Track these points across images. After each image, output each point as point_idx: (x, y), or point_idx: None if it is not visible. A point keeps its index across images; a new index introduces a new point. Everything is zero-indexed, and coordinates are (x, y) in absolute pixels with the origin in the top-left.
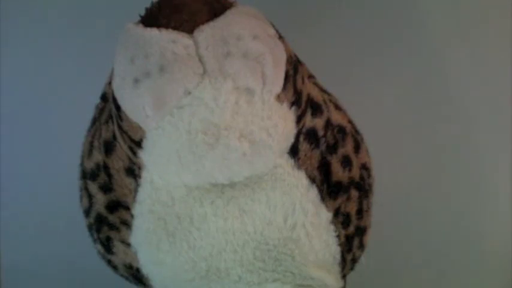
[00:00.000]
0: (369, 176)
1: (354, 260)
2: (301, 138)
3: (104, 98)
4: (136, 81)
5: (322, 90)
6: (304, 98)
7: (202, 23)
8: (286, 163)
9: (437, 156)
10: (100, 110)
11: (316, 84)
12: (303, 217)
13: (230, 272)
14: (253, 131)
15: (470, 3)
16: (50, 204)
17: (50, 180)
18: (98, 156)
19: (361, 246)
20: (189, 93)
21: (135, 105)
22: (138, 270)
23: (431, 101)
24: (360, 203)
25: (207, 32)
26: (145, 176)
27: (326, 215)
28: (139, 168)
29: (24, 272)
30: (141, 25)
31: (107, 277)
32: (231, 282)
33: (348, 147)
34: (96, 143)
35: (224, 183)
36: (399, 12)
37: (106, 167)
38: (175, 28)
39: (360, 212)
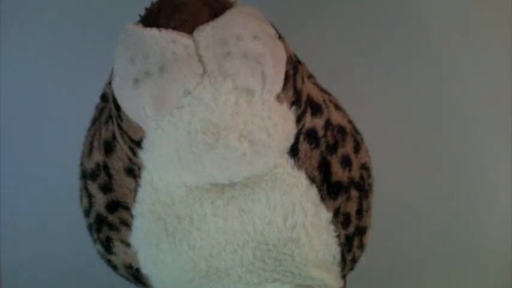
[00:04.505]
0: (369, 176)
1: (354, 260)
2: (301, 138)
3: (104, 98)
4: (136, 81)
5: (322, 90)
6: (304, 98)
7: (202, 23)
8: (286, 163)
9: (437, 156)
10: (100, 110)
11: (316, 84)
12: (303, 217)
13: (230, 272)
14: (253, 131)
15: (471, 3)
16: (50, 204)
17: (50, 180)
18: (98, 156)
19: (361, 246)
20: (189, 93)
21: (135, 105)
22: (138, 270)
23: (431, 101)
24: (360, 203)
25: (207, 32)
26: (145, 176)
27: (326, 215)
28: (139, 168)
29: (24, 272)
30: (141, 25)
31: (107, 277)
32: (231, 282)
33: (347, 147)
34: (96, 143)
35: (224, 183)
36: (399, 12)
37: (106, 167)
38: (175, 28)
39: (360, 212)
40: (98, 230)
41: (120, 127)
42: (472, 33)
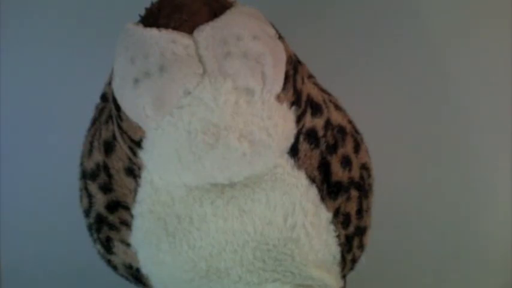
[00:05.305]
0: (369, 176)
1: (354, 260)
2: (301, 138)
3: (104, 98)
4: (136, 81)
5: (322, 90)
6: (304, 98)
7: (202, 23)
8: (286, 163)
9: (437, 156)
10: (100, 110)
11: (316, 84)
12: (303, 217)
13: (230, 272)
14: (253, 131)
15: (470, 3)
16: (50, 204)
17: (50, 180)
18: (98, 156)
19: (361, 246)
20: (189, 93)
21: (135, 105)
22: (138, 270)
23: (431, 101)
24: (360, 203)
25: (207, 32)
26: (145, 176)
27: (326, 215)
28: (139, 168)
29: (24, 272)
30: (141, 25)
31: (107, 277)
32: (231, 282)
33: (347, 147)
34: (96, 143)
35: (224, 183)
36: (399, 12)
37: (106, 167)
38: (175, 28)
39: (360, 212)
40: (98, 230)
41: (120, 127)
42: (472, 33)
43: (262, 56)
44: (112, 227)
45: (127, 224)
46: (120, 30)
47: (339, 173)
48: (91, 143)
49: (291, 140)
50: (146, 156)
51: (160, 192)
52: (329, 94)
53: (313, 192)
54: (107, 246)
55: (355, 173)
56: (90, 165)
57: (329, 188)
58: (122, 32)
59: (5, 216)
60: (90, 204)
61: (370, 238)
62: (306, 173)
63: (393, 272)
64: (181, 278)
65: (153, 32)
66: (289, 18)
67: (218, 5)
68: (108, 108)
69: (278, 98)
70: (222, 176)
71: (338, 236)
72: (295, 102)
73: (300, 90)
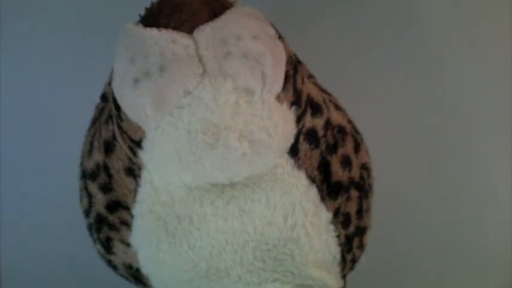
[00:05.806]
0: (369, 176)
1: (354, 260)
2: (301, 138)
3: (104, 98)
4: (136, 81)
5: (322, 90)
6: (304, 98)
7: (202, 23)
8: (286, 163)
9: (437, 156)
10: (100, 110)
11: (316, 84)
12: (303, 217)
13: (230, 272)
14: (253, 131)
15: (470, 3)
16: (50, 204)
17: (50, 180)
18: (98, 156)
19: (361, 246)
20: (189, 93)
21: (135, 105)
22: (138, 270)
23: (431, 101)
24: (360, 203)
25: (207, 32)
26: (145, 176)
27: (326, 215)
28: (139, 168)
29: (24, 272)
30: (141, 25)
31: (107, 277)
32: (231, 282)
33: (347, 147)
34: (96, 143)
35: (224, 183)
36: (399, 12)
37: (106, 167)
38: (175, 28)
39: (359, 212)
40: (98, 230)
41: (120, 127)
42: (472, 33)
43: (262, 56)
44: (112, 227)
45: (127, 224)
46: (120, 30)
47: (339, 173)
48: (91, 143)
49: (291, 140)
50: (146, 156)
51: (160, 192)
52: (329, 94)
53: (313, 192)
54: (107, 246)
55: (355, 173)
56: (90, 165)
57: (329, 188)
58: (122, 32)
59: (5, 216)
60: (90, 204)
61: (370, 238)
62: (306, 173)
63: (393, 272)
64: (181, 278)
65: (153, 32)
66: (289, 18)
67: (218, 5)
68: (108, 108)
69: (278, 98)
70: (222, 176)
71: (338, 236)
72: (295, 102)
73: (300, 90)
